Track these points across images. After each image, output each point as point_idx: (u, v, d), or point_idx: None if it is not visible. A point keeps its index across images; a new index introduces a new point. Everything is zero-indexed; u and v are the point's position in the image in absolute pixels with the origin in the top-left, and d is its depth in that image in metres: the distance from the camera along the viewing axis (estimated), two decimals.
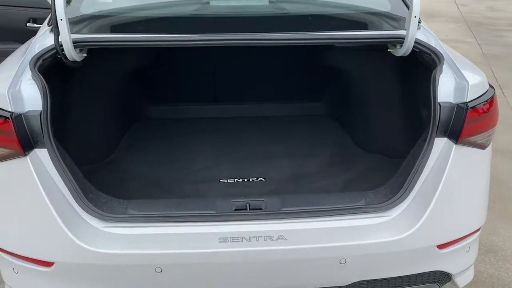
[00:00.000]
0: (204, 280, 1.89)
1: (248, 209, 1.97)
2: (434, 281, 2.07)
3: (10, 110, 1.83)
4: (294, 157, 2.78)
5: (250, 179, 2.55)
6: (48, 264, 1.89)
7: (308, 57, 3.17)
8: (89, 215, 1.89)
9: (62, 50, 2.02)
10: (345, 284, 1.95)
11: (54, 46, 2.05)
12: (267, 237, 1.87)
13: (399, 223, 1.93)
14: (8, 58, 2.27)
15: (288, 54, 3.17)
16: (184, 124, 3.19)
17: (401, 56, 2.25)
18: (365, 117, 2.83)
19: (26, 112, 1.85)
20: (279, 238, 1.87)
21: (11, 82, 1.89)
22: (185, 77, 3.34)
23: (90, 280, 1.91)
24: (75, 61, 2.10)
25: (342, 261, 1.89)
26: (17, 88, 1.89)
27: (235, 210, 1.97)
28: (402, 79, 2.57)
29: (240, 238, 1.87)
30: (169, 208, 1.98)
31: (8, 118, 1.82)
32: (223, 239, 1.86)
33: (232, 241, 1.86)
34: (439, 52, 2.10)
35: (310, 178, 2.56)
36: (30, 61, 1.99)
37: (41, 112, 1.85)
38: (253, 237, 1.87)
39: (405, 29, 2.13)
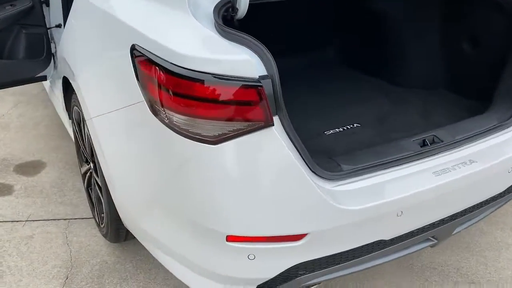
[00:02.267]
0: (429, 211, 2.02)
1: (429, 144, 2.14)
2: None
3: (256, 77, 1.60)
4: (358, 101, 2.93)
5: (348, 127, 2.64)
6: (300, 237, 1.77)
7: (342, 4, 3.26)
8: (319, 178, 1.81)
9: None
10: (505, 189, 2.30)
11: (226, 1, 1.80)
12: (464, 163, 2.08)
13: None
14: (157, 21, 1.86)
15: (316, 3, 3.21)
16: None
17: None
18: (407, 57, 3.11)
19: (257, 78, 1.64)
20: (471, 162, 2.10)
21: (233, 46, 1.63)
22: None
23: (334, 242, 1.85)
24: (238, 20, 1.88)
25: (510, 170, 2.23)
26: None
27: (421, 146, 2.11)
28: (450, 16, 2.92)
29: (446, 169, 2.04)
30: (368, 157, 2.00)
31: (260, 86, 1.60)
32: (436, 173, 2.01)
33: (443, 173, 2.02)
34: None
35: (393, 117, 2.76)
36: (218, 18, 1.73)
37: (272, 76, 1.66)
38: (454, 165, 2.06)
39: None
